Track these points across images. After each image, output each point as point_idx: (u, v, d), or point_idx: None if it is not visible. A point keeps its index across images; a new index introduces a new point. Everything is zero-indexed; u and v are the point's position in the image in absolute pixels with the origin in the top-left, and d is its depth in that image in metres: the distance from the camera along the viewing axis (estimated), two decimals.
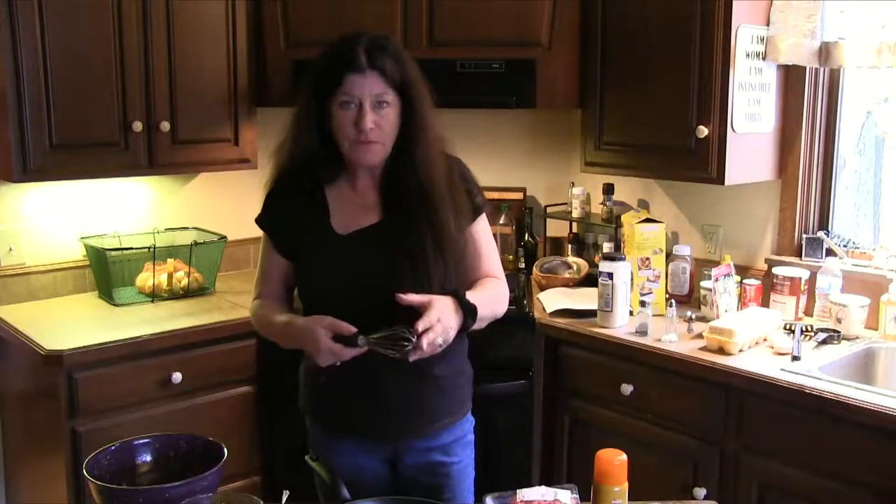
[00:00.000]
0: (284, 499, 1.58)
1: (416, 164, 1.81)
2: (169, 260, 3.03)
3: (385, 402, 1.84)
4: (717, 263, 2.84)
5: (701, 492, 2.44)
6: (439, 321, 1.67)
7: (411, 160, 1.81)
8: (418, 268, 1.78)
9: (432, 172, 1.82)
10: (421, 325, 1.65)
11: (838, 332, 2.57)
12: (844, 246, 2.83)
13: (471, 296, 1.79)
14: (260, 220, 1.94)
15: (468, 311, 1.76)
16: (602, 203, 3.22)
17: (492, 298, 1.87)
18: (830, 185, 2.87)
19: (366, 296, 1.76)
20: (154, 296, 2.97)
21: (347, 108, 1.74)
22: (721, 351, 2.46)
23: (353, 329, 1.67)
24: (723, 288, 2.74)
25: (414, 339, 1.64)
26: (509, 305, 2.90)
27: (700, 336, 2.57)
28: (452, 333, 1.72)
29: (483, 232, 1.92)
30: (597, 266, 2.82)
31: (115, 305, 2.92)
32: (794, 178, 2.86)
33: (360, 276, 1.80)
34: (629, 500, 1.59)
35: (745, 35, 2.64)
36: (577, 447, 2.81)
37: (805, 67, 2.76)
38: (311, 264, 1.85)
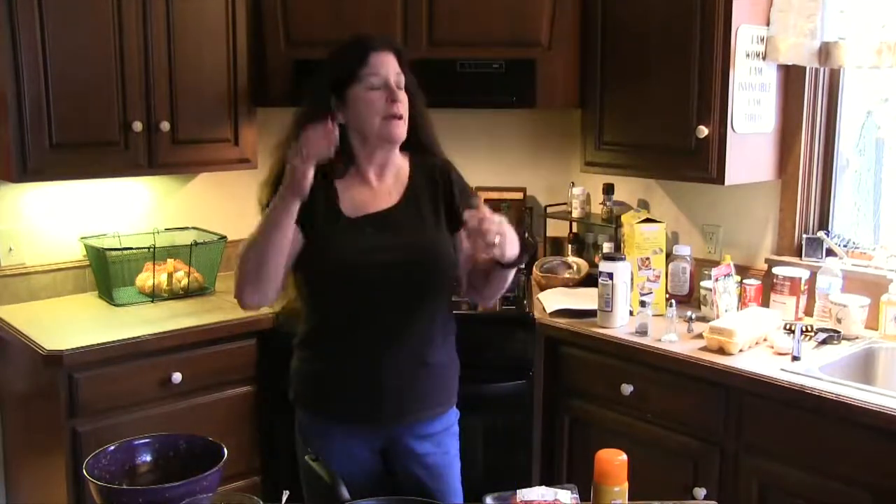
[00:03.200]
0: (284, 499, 1.58)
1: (431, 156, 1.97)
2: (169, 260, 3.03)
3: (381, 388, 1.89)
4: (717, 263, 2.84)
5: (701, 492, 2.44)
6: (500, 222, 1.67)
7: (421, 147, 1.96)
8: (431, 255, 1.90)
9: (445, 166, 1.99)
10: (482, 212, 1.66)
11: (838, 332, 2.57)
12: (844, 246, 2.83)
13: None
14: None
15: (526, 246, 1.80)
16: (602, 203, 3.22)
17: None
18: (830, 185, 2.87)
19: (383, 276, 1.85)
20: (154, 296, 2.97)
21: (375, 87, 1.85)
22: (721, 351, 2.46)
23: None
24: (723, 288, 2.74)
25: None
26: (509, 305, 2.92)
27: (700, 336, 2.57)
28: (508, 247, 1.71)
29: None
30: (597, 266, 2.82)
31: (115, 305, 2.92)
32: (794, 178, 2.86)
33: (372, 256, 1.86)
34: (629, 500, 1.59)
35: (745, 35, 2.64)
36: (577, 447, 2.81)
37: (805, 67, 2.76)
38: (321, 246, 1.87)
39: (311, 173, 1.74)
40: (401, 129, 1.89)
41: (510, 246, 1.71)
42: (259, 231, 1.82)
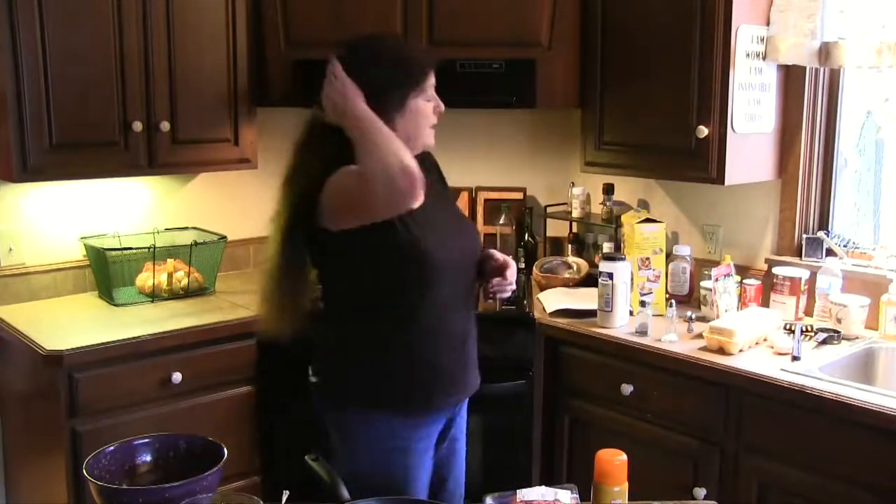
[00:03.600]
0: (284, 499, 1.58)
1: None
2: (169, 260, 3.03)
3: (468, 363, 2.04)
4: (717, 263, 2.84)
5: (701, 492, 2.44)
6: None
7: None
8: (476, 236, 2.15)
9: (428, 154, 2.12)
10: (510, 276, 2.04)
11: (838, 332, 2.57)
12: (844, 246, 2.83)
13: None
14: None
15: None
16: (602, 203, 3.22)
17: None
18: (830, 185, 2.87)
19: (459, 260, 1.98)
20: (154, 296, 2.97)
21: (430, 99, 1.97)
22: (721, 351, 2.46)
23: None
24: (723, 288, 2.74)
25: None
26: (509, 305, 2.92)
27: (700, 336, 2.57)
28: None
29: None
30: (597, 266, 2.82)
31: (115, 305, 2.92)
32: (794, 178, 2.86)
33: (448, 242, 1.96)
34: (629, 500, 1.59)
35: (745, 35, 2.64)
36: (577, 447, 2.81)
37: (805, 67, 2.76)
38: (414, 238, 1.88)
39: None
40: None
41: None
42: (372, 134, 1.81)
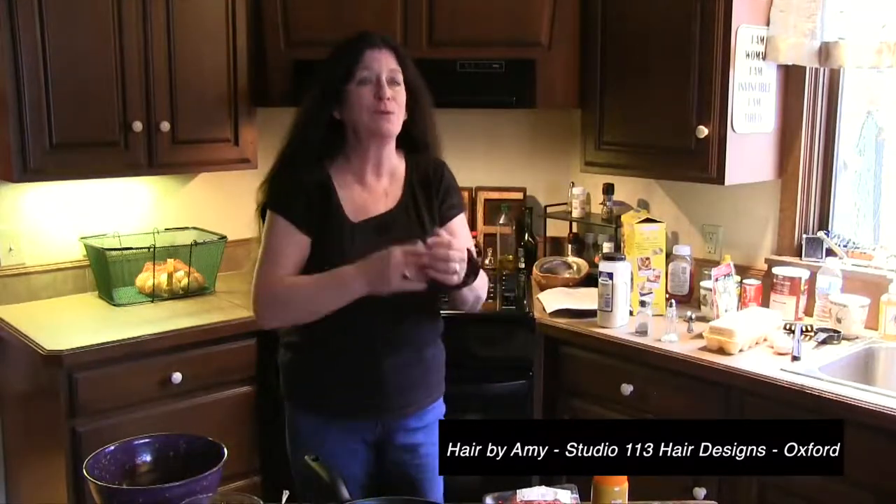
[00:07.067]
0: (284, 499, 1.58)
1: (427, 156, 2.00)
2: (169, 260, 3.03)
3: (382, 381, 1.93)
4: (717, 263, 2.84)
5: (701, 492, 2.44)
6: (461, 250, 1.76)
7: (418, 145, 2.00)
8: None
9: (439, 166, 2.02)
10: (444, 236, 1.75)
11: (838, 332, 2.57)
12: (844, 246, 2.83)
13: None
14: (273, 204, 1.92)
15: (474, 268, 1.80)
16: (602, 203, 3.22)
17: (483, 283, 1.98)
18: (830, 185, 2.87)
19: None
20: (154, 296, 2.97)
21: (366, 83, 1.88)
22: (721, 351, 2.46)
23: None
24: (723, 288, 2.74)
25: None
26: (509, 305, 2.92)
27: (700, 336, 2.57)
28: (461, 273, 1.75)
29: (464, 228, 2.06)
30: (597, 266, 2.82)
31: (115, 305, 2.92)
32: (794, 178, 2.86)
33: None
34: (629, 500, 1.59)
35: (745, 35, 2.64)
36: None
37: (805, 67, 2.76)
38: (327, 251, 1.88)
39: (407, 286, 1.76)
40: (390, 124, 1.90)
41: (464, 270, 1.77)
42: (322, 297, 1.84)
